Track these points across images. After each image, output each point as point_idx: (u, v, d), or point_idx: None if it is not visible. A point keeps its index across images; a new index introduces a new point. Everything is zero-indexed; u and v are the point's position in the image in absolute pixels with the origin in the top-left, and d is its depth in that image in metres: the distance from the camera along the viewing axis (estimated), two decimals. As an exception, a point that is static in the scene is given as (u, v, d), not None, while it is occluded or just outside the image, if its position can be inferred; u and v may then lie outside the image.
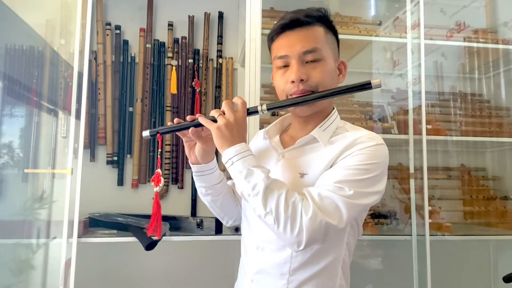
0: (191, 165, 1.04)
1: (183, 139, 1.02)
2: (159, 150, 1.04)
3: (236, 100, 0.92)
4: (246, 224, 1.02)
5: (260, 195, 0.80)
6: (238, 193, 1.11)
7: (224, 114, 0.88)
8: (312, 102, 0.91)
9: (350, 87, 0.88)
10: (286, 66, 0.93)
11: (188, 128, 0.95)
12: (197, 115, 0.93)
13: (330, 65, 0.93)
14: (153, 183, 1.01)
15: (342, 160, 0.87)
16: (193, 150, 1.01)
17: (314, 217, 0.78)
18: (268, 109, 0.92)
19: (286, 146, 0.98)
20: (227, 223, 1.15)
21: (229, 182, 1.13)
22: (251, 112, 0.93)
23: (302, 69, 0.90)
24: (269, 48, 1.00)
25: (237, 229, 1.47)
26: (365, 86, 0.86)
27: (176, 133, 1.00)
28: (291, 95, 0.92)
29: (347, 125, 0.98)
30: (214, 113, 0.90)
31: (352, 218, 0.85)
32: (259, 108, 0.92)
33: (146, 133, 1.00)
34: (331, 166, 0.88)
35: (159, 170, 1.00)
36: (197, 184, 1.06)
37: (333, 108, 0.99)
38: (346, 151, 0.88)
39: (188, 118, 0.96)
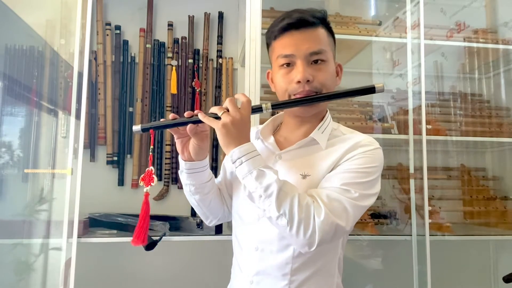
0: (182, 162, 0.98)
1: (175, 136, 0.97)
2: (151, 147, 0.97)
3: (240, 97, 0.88)
4: (240, 224, 1.00)
5: (274, 197, 0.79)
6: (228, 194, 1.09)
7: (228, 111, 0.85)
8: (318, 102, 0.92)
9: (355, 90, 0.92)
10: (289, 65, 0.92)
11: (184, 124, 0.91)
12: (196, 111, 0.90)
13: (332, 67, 0.94)
14: (142, 182, 0.93)
15: (345, 163, 0.88)
16: (187, 147, 0.97)
17: (326, 219, 0.79)
18: (273, 108, 0.91)
19: (281, 147, 0.98)
20: (210, 222, 1.11)
21: (216, 181, 1.10)
22: (255, 110, 0.90)
23: (308, 70, 0.90)
24: (269, 45, 0.98)
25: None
26: (370, 90, 0.89)
27: (168, 129, 0.96)
28: (295, 95, 0.92)
29: (340, 127, 0.99)
30: (216, 110, 0.86)
31: (356, 220, 0.85)
32: (263, 106, 0.90)
33: (137, 128, 0.93)
34: (333, 168, 0.89)
35: (150, 168, 0.94)
36: (186, 182, 1.01)
37: (327, 111, 1.00)
38: (347, 154, 0.89)
39: (186, 114, 0.91)
